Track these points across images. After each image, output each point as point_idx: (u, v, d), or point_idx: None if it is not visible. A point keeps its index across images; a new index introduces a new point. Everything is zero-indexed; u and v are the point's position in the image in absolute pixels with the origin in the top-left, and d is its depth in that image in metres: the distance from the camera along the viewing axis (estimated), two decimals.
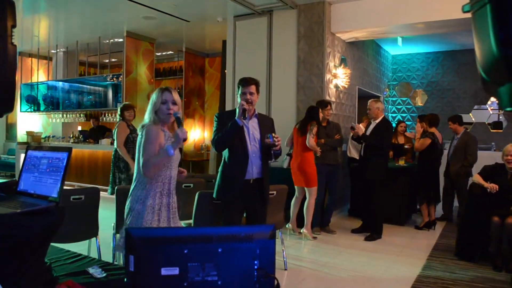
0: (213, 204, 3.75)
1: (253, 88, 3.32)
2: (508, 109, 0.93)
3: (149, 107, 2.63)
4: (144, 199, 2.57)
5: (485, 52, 0.90)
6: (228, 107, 7.17)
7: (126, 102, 6.63)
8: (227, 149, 3.38)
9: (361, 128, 5.56)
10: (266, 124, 3.45)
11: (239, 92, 3.35)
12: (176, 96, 2.62)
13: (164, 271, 1.22)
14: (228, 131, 3.25)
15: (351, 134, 5.92)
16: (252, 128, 3.36)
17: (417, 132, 6.15)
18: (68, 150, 1.81)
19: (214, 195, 3.50)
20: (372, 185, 5.49)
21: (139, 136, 2.60)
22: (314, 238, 5.46)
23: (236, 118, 3.22)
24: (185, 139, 2.47)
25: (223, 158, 3.46)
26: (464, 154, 6.26)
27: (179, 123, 2.55)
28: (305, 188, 5.35)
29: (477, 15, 0.92)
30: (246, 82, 3.33)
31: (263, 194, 3.41)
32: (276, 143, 3.20)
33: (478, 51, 0.95)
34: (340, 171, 6.10)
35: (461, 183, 6.24)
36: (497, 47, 0.84)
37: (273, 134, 3.22)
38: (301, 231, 5.47)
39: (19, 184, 1.98)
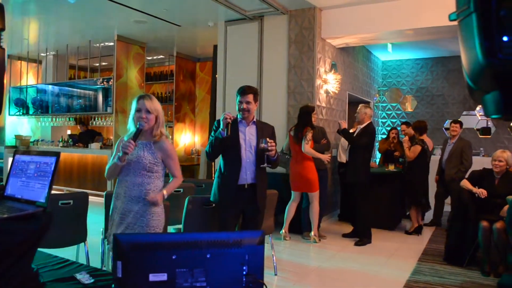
0: (203, 209, 3.74)
1: (250, 97, 3.38)
2: (494, 116, 0.94)
3: (130, 116, 2.73)
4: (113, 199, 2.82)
5: (471, 60, 0.92)
6: (219, 112, 7.16)
7: None
8: (221, 155, 3.46)
9: (344, 123, 5.62)
10: (266, 132, 3.49)
11: (237, 100, 3.43)
12: (149, 104, 2.62)
13: (152, 277, 1.21)
14: (213, 145, 3.35)
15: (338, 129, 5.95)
16: (249, 135, 3.42)
17: (404, 142, 6.20)
18: (56, 154, 1.80)
19: (211, 198, 3.57)
20: (355, 189, 5.54)
21: None
22: (319, 240, 5.55)
23: (219, 130, 3.27)
24: (125, 153, 2.53)
25: (219, 163, 3.53)
26: (460, 159, 6.31)
27: (136, 135, 2.57)
28: (308, 194, 5.44)
29: (463, 23, 0.94)
30: (243, 91, 3.41)
31: (257, 200, 3.43)
32: (269, 148, 3.23)
33: (464, 59, 0.96)
34: (328, 176, 6.13)
35: (455, 188, 6.27)
36: (483, 56, 0.85)
37: (267, 139, 3.25)
38: (310, 235, 5.53)
39: (6, 189, 1.96)
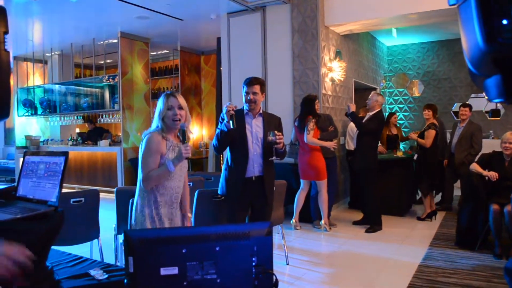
0: (212, 202, 3.77)
1: (256, 88, 3.37)
2: (496, 100, 0.94)
3: (156, 114, 2.57)
4: (143, 208, 2.53)
5: (471, 45, 0.91)
6: (225, 104, 7.15)
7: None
8: (228, 147, 3.44)
9: (353, 106, 5.58)
10: (272, 123, 3.47)
11: (243, 91, 3.41)
12: (181, 101, 2.53)
13: (164, 271, 1.23)
14: (219, 138, 3.31)
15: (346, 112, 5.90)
16: (256, 127, 3.40)
17: (411, 137, 6.18)
18: (65, 154, 1.83)
19: (218, 191, 3.57)
20: (363, 175, 5.54)
21: (141, 143, 2.56)
22: (330, 229, 5.59)
23: (224, 123, 3.24)
24: (187, 157, 2.43)
25: (226, 156, 3.52)
26: (470, 143, 6.25)
27: (184, 137, 2.45)
28: (316, 182, 5.47)
29: (462, 8, 0.93)
30: (250, 82, 3.39)
31: (265, 192, 3.42)
32: (278, 141, 3.21)
33: (465, 43, 0.96)
34: (337, 163, 6.13)
35: (464, 172, 6.23)
36: (482, 40, 0.85)
37: (276, 132, 3.23)
38: (320, 223, 5.59)
39: (18, 189, 1.99)
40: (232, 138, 3.34)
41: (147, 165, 2.46)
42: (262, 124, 3.43)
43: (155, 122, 2.56)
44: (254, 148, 3.37)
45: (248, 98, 3.36)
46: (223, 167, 3.59)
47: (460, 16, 0.96)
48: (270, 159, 3.41)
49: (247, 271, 1.29)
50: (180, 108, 2.51)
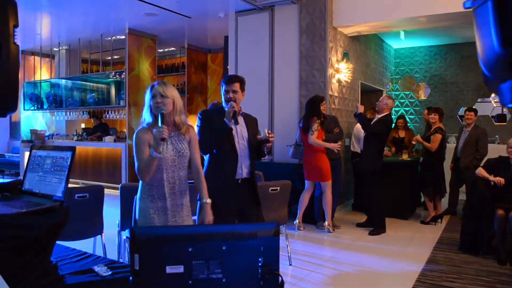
0: None
1: (236, 86, 3.16)
2: (511, 105, 0.93)
3: (144, 106, 2.57)
4: (139, 202, 2.55)
5: (487, 48, 0.90)
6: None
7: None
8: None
9: (361, 107, 5.55)
10: (252, 123, 3.32)
11: (222, 90, 3.20)
12: (162, 89, 2.47)
13: (169, 269, 1.23)
14: (216, 133, 3.08)
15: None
16: (240, 126, 3.22)
17: (417, 140, 6.13)
18: (72, 149, 1.83)
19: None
20: (368, 177, 5.53)
21: None
22: (333, 230, 5.59)
23: (225, 119, 3.03)
24: (162, 139, 2.35)
25: (207, 158, 3.25)
26: (475, 147, 6.21)
27: (161, 120, 2.40)
28: (321, 183, 5.47)
29: (478, 11, 0.92)
30: (229, 79, 3.18)
31: (255, 194, 3.24)
32: (270, 139, 3.07)
33: (480, 47, 0.95)
34: (341, 165, 6.11)
35: (470, 176, 6.19)
36: (498, 44, 0.84)
37: (266, 130, 3.09)
38: (324, 224, 5.57)
39: (24, 183, 1.99)
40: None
41: (139, 160, 2.48)
42: (245, 123, 3.25)
43: (144, 114, 2.54)
44: (241, 148, 3.18)
45: (228, 96, 3.14)
46: (204, 170, 3.13)
47: (476, 20, 0.94)
48: (263, 158, 3.31)
49: (253, 271, 1.28)
50: (162, 96, 2.46)
